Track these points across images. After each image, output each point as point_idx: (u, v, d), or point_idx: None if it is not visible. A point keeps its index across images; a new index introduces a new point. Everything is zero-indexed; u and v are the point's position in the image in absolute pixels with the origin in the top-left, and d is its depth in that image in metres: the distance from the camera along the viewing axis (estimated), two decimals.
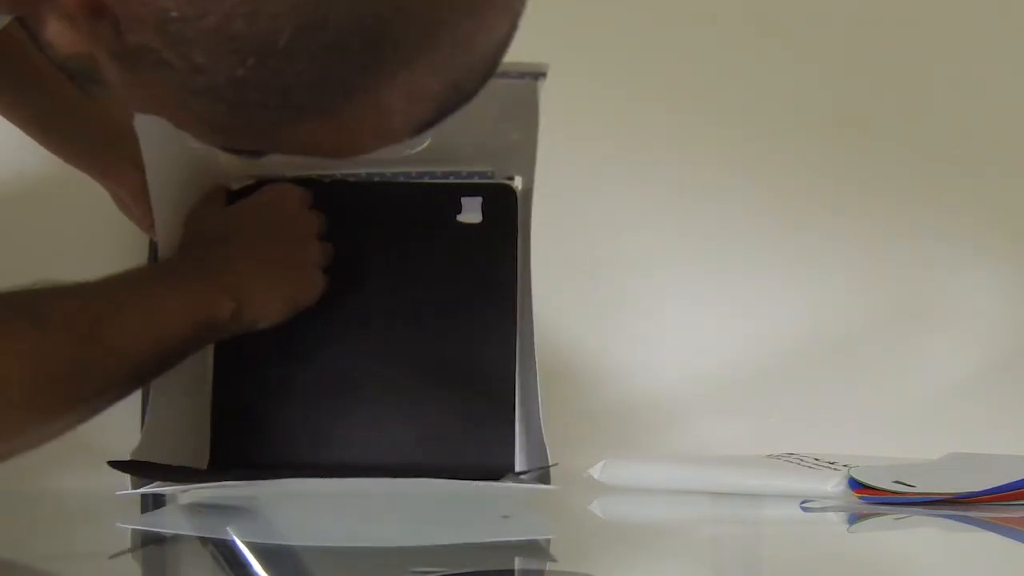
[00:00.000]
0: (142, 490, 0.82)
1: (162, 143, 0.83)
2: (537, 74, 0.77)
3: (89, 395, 0.75)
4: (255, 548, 0.71)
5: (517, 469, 0.89)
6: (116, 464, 0.82)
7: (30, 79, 0.88)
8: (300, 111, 0.54)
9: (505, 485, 0.80)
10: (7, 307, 0.71)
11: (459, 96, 0.57)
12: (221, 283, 0.83)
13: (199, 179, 0.90)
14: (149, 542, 0.79)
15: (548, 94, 0.81)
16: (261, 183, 0.93)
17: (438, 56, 0.53)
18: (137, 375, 0.79)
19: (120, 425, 0.88)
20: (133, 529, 0.83)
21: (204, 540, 0.77)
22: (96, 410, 0.76)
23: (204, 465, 0.93)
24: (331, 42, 0.51)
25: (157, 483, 0.82)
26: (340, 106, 0.54)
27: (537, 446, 0.86)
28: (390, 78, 0.53)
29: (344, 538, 0.78)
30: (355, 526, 0.81)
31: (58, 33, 0.53)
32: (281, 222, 0.88)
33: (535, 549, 0.79)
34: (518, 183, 0.93)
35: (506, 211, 0.92)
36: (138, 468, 0.83)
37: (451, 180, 0.93)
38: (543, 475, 0.83)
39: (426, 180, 0.93)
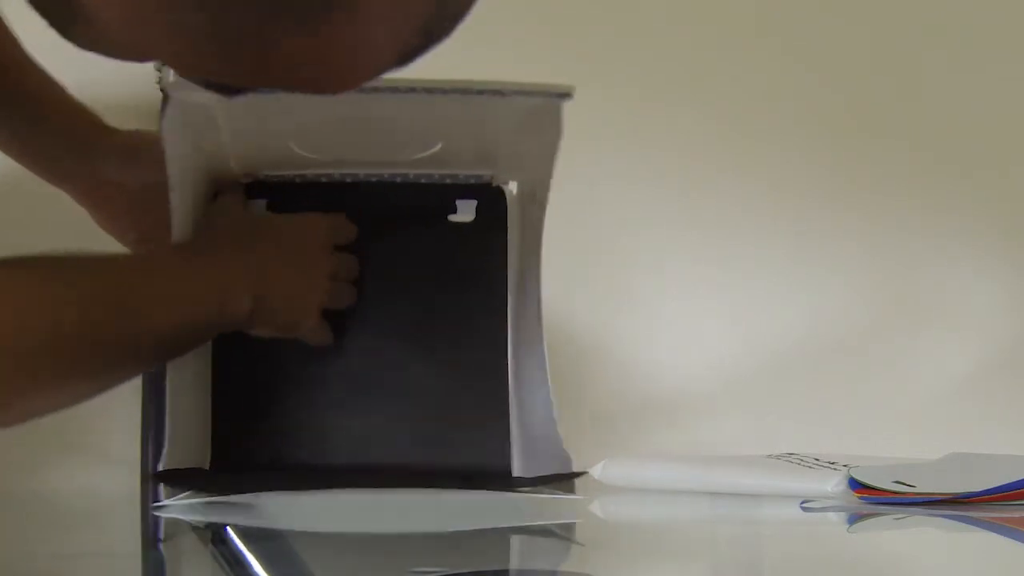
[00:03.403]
0: (180, 501, 0.83)
1: (183, 144, 0.84)
2: (563, 95, 0.80)
3: (107, 360, 0.75)
4: (255, 548, 0.71)
5: (515, 469, 0.90)
6: (160, 476, 0.84)
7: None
8: (279, 19, 0.51)
9: (521, 495, 0.81)
10: (34, 263, 0.71)
11: (440, 24, 0.55)
12: (246, 280, 0.84)
13: (210, 175, 0.92)
14: (149, 541, 0.79)
15: None
16: (264, 181, 0.94)
17: None
18: (155, 351, 0.79)
19: (119, 426, 0.88)
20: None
21: (205, 541, 0.77)
22: (107, 385, 0.76)
23: (205, 464, 0.93)
24: None
25: (189, 494, 0.83)
26: (319, 19, 0.51)
27: (549, 450, 0.87)
28: None
29: (347, 524, 0.79)
30: (357, 514, 0.81)
31: None
32: (302, 256, 0.89)
33: (551, 534, 0.79)
34: (512, 188, 0.95)
35: (496, 213, 0.94)
36: (180, 477, 0.85)
37: (447, 181, 0.95)
38: (567, 484, 0.84)
39: (423, 181, 0.95)
